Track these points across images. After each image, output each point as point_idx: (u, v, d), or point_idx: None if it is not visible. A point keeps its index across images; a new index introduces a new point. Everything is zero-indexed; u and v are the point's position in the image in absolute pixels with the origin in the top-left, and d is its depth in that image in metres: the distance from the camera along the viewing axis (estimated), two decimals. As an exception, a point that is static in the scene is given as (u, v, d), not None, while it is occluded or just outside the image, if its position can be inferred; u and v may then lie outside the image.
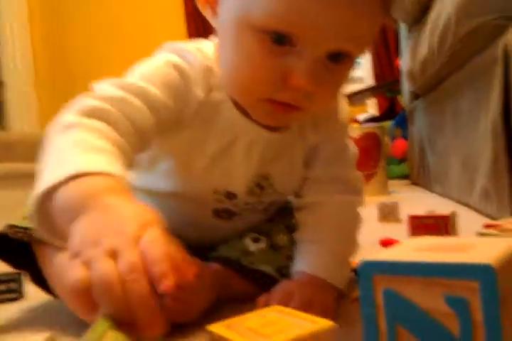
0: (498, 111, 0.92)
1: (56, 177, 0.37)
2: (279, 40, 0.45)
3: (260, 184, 0.58)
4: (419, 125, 1.89)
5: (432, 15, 1.40)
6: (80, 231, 0.34)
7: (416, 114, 1.95)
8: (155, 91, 0.49)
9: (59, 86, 3.15)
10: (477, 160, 1.10)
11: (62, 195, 0.36)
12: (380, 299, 0.25)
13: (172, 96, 0.50)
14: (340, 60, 0.47)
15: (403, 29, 2.00)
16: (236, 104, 0.53)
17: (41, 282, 0.58)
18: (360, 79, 2.99)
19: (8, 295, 0.66)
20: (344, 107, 0.62)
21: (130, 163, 0.45)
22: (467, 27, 1.10)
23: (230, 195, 0.58)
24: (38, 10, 3.23)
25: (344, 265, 0.58)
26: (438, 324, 0.23)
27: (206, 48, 0.55)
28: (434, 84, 1.60)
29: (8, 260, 0.59)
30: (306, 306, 0.48)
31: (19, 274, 0.66)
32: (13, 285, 0.67)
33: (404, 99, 2.18)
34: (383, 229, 1.02)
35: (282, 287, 0.52)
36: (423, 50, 1.50)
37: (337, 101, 0.59)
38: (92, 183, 0.37)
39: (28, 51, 3.18)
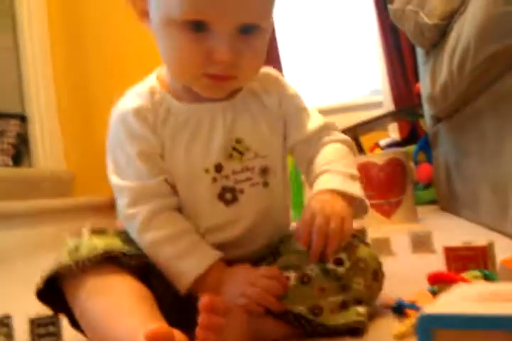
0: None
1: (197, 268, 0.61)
2: (197, 27, 0.58)
3: (236, 148, 0.66)
4: (443, 149, 1.88)
5: (450, 39, 1.40)
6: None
7: (439, 137, 1.94)
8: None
9: (81, 121, 3.20)
10: (508, 186, 1.09)
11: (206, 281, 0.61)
12: (441, 354, 0.25)
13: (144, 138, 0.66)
14: (252, 32, 0.60)
15: (420, 53, 2.00)
16: (177, 97, 0.67)
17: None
18: (379, 104, 2.99)
19: (47, 339, 0.66)
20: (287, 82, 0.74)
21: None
22: (487, 52, 1.10)
23: (218, 168, 0.66)
24: (60, 48, 3.31)
25: (354, 179, 0.66)
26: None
27: (152, 76, 0.71)
28: (455, 108, 1.60)
29: (47, 303, 0.62)
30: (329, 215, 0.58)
31: (57, 317, 0.66)
32: (51, 329, 0.67)
33: (426, 122, 2.17)
34: (418, 260, 1.00)
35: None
36: (442, 75, 1.50)
37: (278, 78, 0.73)
38: (213, 277, 0.61)
39: (50, 86, 3.24)
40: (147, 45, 3.33)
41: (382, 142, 2.66)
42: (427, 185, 2.30)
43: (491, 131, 1.22)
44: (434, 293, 0.62)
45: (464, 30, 1.22)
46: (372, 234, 1.16)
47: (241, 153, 0.66)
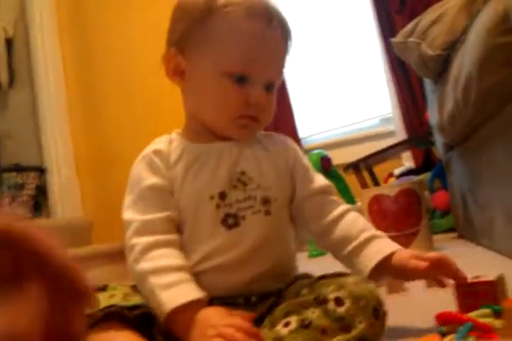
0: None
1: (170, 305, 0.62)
2: (240, 79, 0.74)
3: (241, 179, 0.74)
4: (457, 176, 1.86)
5: (453, 69, 1.40)
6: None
7: (453, 164, 1.92)
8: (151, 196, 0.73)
9: (97, 171, 3.25)
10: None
11: (178, 319, 0.62)
12: None
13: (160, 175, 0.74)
14: (270, 90, 0.77)
15: (428, 83, 2.01)
16: (190, 139, 0.78)
17: None
18: (391, 133, 2.98)
19: None
20: None
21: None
22: (489, 81, 1.10)
23: (222, 195, 0.72)
24: (76, 102, 3.41)
25: None
26: None
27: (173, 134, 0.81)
28: (465, 136, 1.58)
29: None
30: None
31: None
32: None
33: (439, 150, 2.15)
34: (431, 296, 0.97)
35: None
36: (449, 104, 1.50)
37: (284, 137, 0.85)
38: (187, 315, 0.62)
39: (68, 139, 3.31)
40: (158, 100, 3.41)
41: (397, 171, 2.64)
42: (445, 213, 2.26)
43: (501, 157, 1.21)
44: (442, 334, 0.60)
45: (466, 60, 1.22)
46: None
47: (245, 184, 0.74)
